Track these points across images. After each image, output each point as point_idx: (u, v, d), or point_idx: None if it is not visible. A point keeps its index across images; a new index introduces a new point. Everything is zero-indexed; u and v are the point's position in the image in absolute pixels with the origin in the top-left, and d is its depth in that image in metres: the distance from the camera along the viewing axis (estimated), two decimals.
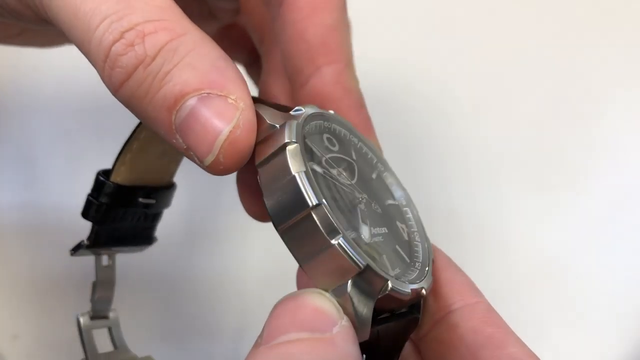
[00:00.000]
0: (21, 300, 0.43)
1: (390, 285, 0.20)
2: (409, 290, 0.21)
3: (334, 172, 0.23)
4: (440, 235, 0.46)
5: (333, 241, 0.19)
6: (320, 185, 0.21)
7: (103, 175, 0.30)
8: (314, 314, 0.19)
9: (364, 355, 0.20)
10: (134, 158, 0.30)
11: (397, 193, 0.26)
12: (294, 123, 0.21)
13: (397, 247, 0.23)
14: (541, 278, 0.46)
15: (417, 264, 0.23)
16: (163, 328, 0.44)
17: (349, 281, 0.19)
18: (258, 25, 0.32)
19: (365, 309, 0.20)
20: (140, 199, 0.31)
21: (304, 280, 0.26)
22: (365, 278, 0.19)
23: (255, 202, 0.30)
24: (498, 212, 0.47)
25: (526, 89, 0.50)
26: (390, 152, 0.47)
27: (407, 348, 0.24)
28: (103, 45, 0.21)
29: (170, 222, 0.44)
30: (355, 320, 0.19)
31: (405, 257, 0.23)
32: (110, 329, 0.34)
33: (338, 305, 0.20)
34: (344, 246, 0.19)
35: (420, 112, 0.48)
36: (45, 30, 0.30)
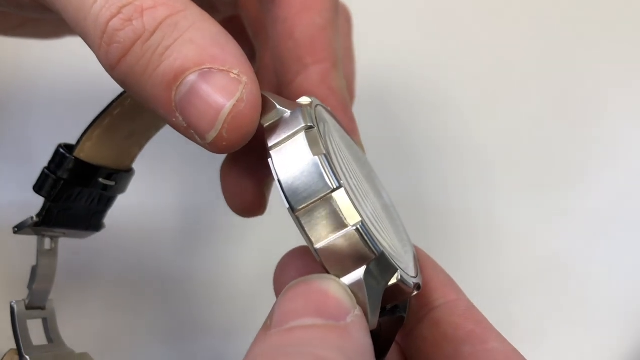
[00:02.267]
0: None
1: (400, 275, 0.20)
2: (412, 283, 0.21)
3: (342, 161, 0.23)
4: (438, 234, 0.46)
5: (352, 226, 0.19)
6: (336, 170, 0.20)
7: (64, 149, 0.28)
8: (329, 301, 0.18)
9: None
10: (102, 134, 0.28)
11: (384, 194, 0.26)
12: (308, 109, 0.21)
13: (396, 240, 0.23)
14: (540, 278, 0.46)
15: (411, 259, 0.23)
16: (162, 328, 0.44)
17: (364, 268, 0.19)
18: (253, 20, 0.32)
19: (375, 297, 0.19)
20: (101, 180, 0.29)
21: (283, 281, 0.25)
22: (380, 266, 0.19)
23: (239, 194, 0.29)
24: (496, 211, 0.47)
25: (526, 89, 0.50)
26: (388, 152, 0.47)
27: (393, 348, 0.24)
28: (100, 21, 0.20)
29: (167, 220, 0.45)
30: (367, 309, 0.19)
31: (402, 251, 0.23)
32: (45, 321, 0.32)
33: (351, 294, 0.19)
34: (362, 231, 0.19)
35: (418, 112, 0.48)
36: (46, 21, 0.29)
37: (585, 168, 0.48)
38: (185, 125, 0.21)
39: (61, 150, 0.28)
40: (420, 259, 0.25)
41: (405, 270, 0.21)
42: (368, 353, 0.18)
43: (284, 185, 0.20)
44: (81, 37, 0.22)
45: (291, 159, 0.20)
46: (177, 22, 0.20)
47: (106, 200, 0.31)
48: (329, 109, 0.25)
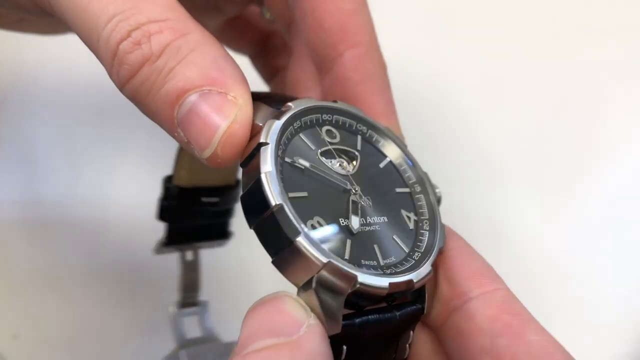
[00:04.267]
0: (21, 299, 0.43)
1: (359, 280, 0.20)
2: (387, 285, 0.21)
3: (332, 163, 0.23)
4: None
5: (294, 239, 0.20)
6: (298, 181, 0.21)
7: (167, 180, 0.33)
8: (281, 318, 0.20)
9: (345, 347, 0.21)
10: (191, 161, 0.32)
11: (412, 179, 0.25)
12: (274, 122, 0.22)
13: (394, 237, 0.23)
14: (540, 278, 0.46)
15: (416, 254, 0.23)
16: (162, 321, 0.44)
17: (314, 277, 0.20)
18: (282, 14, 0.32)
19: (334, 303, 0.20)
20: (203, 199, 0.34)
21: None
22: (331, 273, 0.20)
23: None
24: (496, 212, 0.47)
25: (528, 90, 0.50)
26: None
27: (425, 337, 0.24)
28: (111, 43, 0.22)
29: None
30: (323, 315, 0.20)
31: (404, 246, 0.23)
32: (199, 317, 0.38)
33: (305, 305, 0.20)
34: (304, 243, 0.20)
35: (419, 112, 0.48)
36: (44, 19, 0.30)
37: (585, 169, 0.48)
38: (186, 140, 0.22)
39: (165, 183, 0.33)
40: (453, 246, 0.24)
41: (390, 268, 0.22)
42: (320, 357, 0.19)
43: (241, 203, 0.21)
44: (91, 52, 0.23)
45: (249, 176, 0.22)
46: (180, 46, 0.22)
47: (222, 212, 0.35)
48: (335, 103, 0.25)
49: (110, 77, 0.23)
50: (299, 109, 0.23)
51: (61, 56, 0.44)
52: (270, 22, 0.35)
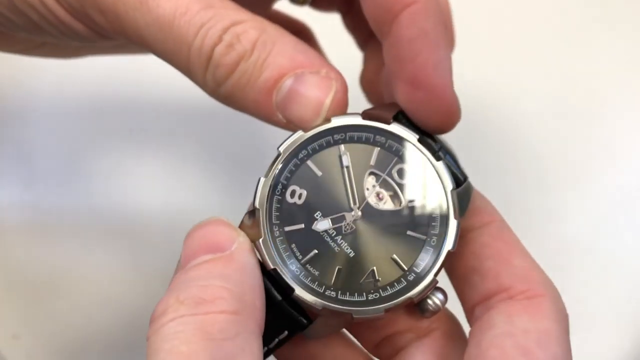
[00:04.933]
0: (21, 300, 0.43)
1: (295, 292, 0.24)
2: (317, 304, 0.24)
3: (369, 186, 0.25)
4: None
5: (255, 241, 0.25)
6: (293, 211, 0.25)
7: None
8: (215, 237, 0.23)
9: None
10: None
11: (435, 192, 0.26)
12: (281, 155, 0.26)
13: (393, 256, 0.25)
14: None
15: (410, 275, 0.25)
16: None
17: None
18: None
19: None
20: None
21: None
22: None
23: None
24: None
25: (528, 89, 0.50)
26: None
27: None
28: (204, 50, 0.25)
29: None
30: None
31: (402, 266, 0.25)
32: None
33: (235, 226, 0.24)
34: (259, 247, 0.25)
35: None
36: (67, 44, 0.32)
37: (584, 169, 0.48)
38: (285, 121, 0.25)
39: None
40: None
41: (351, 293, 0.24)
42: (249, 268, 0.23)
43: None
44: (175, 66, 0.26)
45: None
46: (265, 40, 0.25)
47: None
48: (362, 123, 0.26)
49: (202, 82, 0.26)
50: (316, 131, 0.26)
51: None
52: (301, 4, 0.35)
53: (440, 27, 0.26)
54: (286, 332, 0.25)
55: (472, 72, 0.49)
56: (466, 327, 0.26)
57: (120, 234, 0.45)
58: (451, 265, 0.26)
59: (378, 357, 0.28)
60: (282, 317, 0.24)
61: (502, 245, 0.25)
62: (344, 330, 0.28)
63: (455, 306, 0.27)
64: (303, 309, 0.25)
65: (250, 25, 0.25)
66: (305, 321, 0.25)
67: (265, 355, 0.25)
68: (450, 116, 0.27)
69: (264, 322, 0.23)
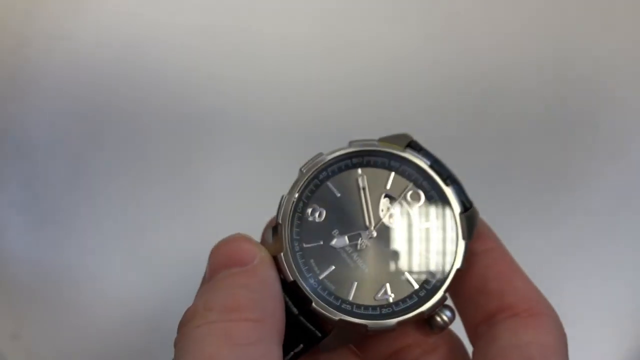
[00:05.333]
0: (21, 300, 0.43)
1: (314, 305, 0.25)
2: (337, 317, 0.25)
3: (384, 207, 0.27)
4: None
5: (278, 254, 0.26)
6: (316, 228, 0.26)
7: None
8: (237, 253, 0.25)
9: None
10: None
11: (445, 211, 0.28)
12: (286, 197, 0.27)
13: (406, 274, 0.27)
14: (541, 277, 0.46)
15: (421, 292, 0.26)
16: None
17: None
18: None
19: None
20: None
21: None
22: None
23: None
24: (496, 212, 0.47)
25: (527, 89, 0.50)
26: None
27: None
28: None
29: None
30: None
31: (413, 283, 0.27)
32: None
33: (257, 242, 0.25)
34: (280, 261, 0.26)
35: (417, 113, 0.48)
36: None
37: (585, 169, 0.48)
38: None
39: None
40: None
41: (369, 307, 0.26)
42: (270, 281, 0.24)
43: None
44: None
45: None
46: None
47: None
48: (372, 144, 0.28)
49: None
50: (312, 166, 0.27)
51: (62, 56, 0.44)
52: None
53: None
54: (302, 346, 0.26)
55: (470, 69, 0.49)
56: (468, 347, 0.27)
57: (120, 234, 0.45)
58: (455, 286, 0.27)
59: None
60: (299, 330, 0.26)
61: (504, 267, 0.27)
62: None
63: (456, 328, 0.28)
64: (318, 323, 0.26)
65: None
66: (320, 334, 0.26)
67: None
68: None
69: (284, 331, 0.24)
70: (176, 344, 0.23)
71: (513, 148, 0.49)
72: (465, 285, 0.27)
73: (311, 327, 0.26)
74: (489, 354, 0.24)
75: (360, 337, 0.27)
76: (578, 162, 0.49)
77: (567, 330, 0.25)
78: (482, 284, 0.26)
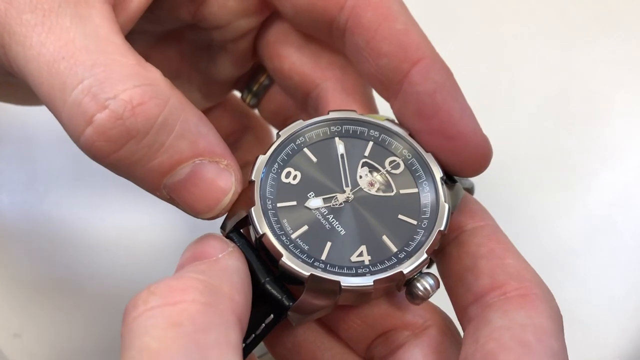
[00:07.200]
0: (22, 299, 0.44)
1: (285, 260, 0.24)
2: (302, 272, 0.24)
3: (362, 174, 0.26)
4: None
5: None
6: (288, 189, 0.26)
7: None
8: (204, 248, 0.24)
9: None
10: None
11: (426, 181, 0.27)
12: (262, 157, 0.26)
13: (384, 237, 0.25)
14: (541, 277, 0.46)
15: (401, 254, 0.25)
16: None
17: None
18: (300, 83, 0.31)
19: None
20: None
21: None
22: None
23: None
24: (495, 211, 0.47)
25: (527, 90, 0.50)
26: None
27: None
28: (82, 111, 0.21)
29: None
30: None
31: (391, 246, 0.25)
32: None
33: (227, 240, 0.24)
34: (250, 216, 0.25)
35: None
36: (19, 85, 0.28)
37: (585, 167, 0.48)
38: (168, 197, 0.24)
39: None
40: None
41: (346, 266, 0.25)
42: (232, 269, 0.23)
43: None
44: (53, 114, 0.22)
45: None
46: (167, 118, 0.22)
47: None
48: (339, 114, 0.27)
49: (79, 145, 0.22)
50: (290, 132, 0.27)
51: None
52: (252, 108, 0.34)
53: (452, 77, 0.26)
54: (272, 316, 0.25)
55: (469, 72, 0.49)
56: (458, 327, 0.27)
57: (120, 234, 0.45)
58: (444, 266, 0.27)
59: None
60: (267, 299, 0.24)
61: (495, 245, 0.25)
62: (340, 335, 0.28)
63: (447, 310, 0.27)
64: (288, 292, 0.25)
65: (151, 94, 0.21)
66: (288, 302, 0.24)
67: (254, 342, 0.25)
68: (485, 158, 0.27)
69: (246, 316, 0.22)
70: (121, 336, 0.21)
71: (513, 148, 0.49)
72: (454, 264, 0.26)
73: (278, 295, 0.24)
74: (480, 338, 0.23)
75: (334, 303, 0.25)
76: (578, 162, 0.49)
77: (567, 329, 0.24)
78: (471, 263, 0.25)
